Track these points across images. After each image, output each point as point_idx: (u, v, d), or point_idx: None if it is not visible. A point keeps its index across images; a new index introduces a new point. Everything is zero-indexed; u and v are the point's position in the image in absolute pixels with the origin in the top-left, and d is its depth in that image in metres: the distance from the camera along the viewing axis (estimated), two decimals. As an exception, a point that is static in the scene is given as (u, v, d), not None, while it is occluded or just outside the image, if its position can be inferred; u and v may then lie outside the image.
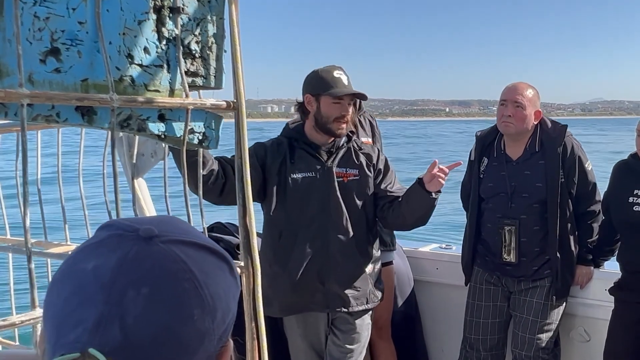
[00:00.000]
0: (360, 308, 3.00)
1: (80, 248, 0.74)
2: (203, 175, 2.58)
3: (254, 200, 2.96)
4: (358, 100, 3.58)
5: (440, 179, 2.77)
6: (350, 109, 2.90)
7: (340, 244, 2.92)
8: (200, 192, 1.66)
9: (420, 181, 2.83)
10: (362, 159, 3.00)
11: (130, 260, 0.68)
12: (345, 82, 2.87)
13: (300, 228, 2.92)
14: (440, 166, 2.78)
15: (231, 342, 0.76)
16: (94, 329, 0.65)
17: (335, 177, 2.93)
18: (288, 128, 3.05)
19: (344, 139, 2.99)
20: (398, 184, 3.09)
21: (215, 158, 2.71)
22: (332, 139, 2.96)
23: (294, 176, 2.91)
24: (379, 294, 3.08)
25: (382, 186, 3.00)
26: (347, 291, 2.96)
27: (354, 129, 3.13)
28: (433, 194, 2.82)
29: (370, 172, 3.00)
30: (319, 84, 2.91)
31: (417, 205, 2.89)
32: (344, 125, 2.90)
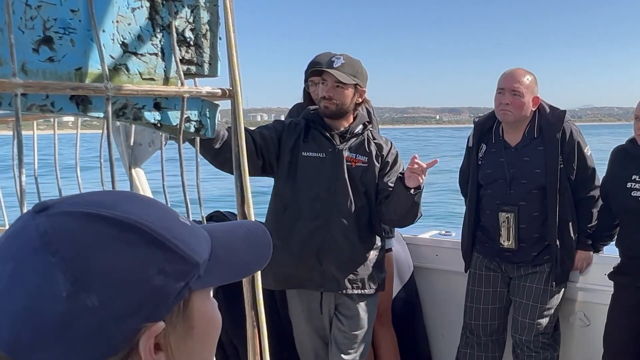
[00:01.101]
0: (355, 292, 3.01)
1: None
2: (217, 149, 2.63)
3: (266, 175, 2.99)
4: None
5: (418, 176, 2.77)
6: (335, 92, 2.91)
7: (342, 226, 2.95)
8: (198, 177, 1.66)
9: (402, 177, 2.84)
10: (373, 148, 3.03)
11: (10, 235, 0.67)
12: (337, 64, 2.90)
13: (305, 205, 2.96)
14: (418, 162, 2.77)
15: (159, 325, 0.68)
16: None
17: (344, 160, 2.97)
18: (308, 111, 3.11)
19: (359, 126, 3.03)
20: None
21: (228, 129, 2.70)
22: (347, 124, 3.01)
23: (305, 154, 2.97)
24: (378, 281, 3.08)
25: (385, 179, 3.01)
26: (343, 274, 2.98)
27: (369, 119, 3.16)
28: (412, 190, 2.81)
29: (378, 162, 3.02)
30: (318, 69, 3.03)
31: (399, 202, 2.90)
32: (328, 105, 2.93)
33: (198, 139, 1.69)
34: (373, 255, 3.06)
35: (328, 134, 2.99)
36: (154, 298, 0.67)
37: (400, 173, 2.90)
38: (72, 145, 2.16)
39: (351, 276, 3.00)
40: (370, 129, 3.10)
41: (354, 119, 3.04)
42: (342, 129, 3.00)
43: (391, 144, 3.12)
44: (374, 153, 3.02)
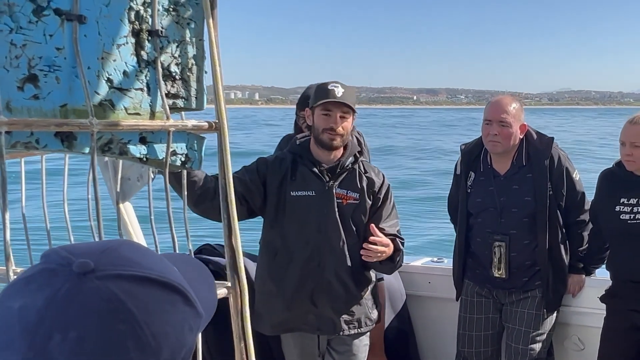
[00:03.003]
0: (352, 332, 2.96)
1: (12, 282, 0.68)
2: (199, 194, 2.58)
3: (253, 217, 2.91)
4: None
5: (376, 254, 2.77)
6: (342, 122, 2.81)
7: (335, 267, 2.87)
8: (185, 210, 1.66)
9: None
10: (365, 183, 2.93)
11: (58, 300, 0.62)
12: (339, 94, 2.79)
13: (296, 248, 2.87)
14: (372, 240, 2.75)
15: None
16: None
17: (335, 198, 2.86)
18: (294, 143, 2.98)
19: (350, 159, 2.91)
20: (393, 218, 3.00)
21: (213, 175, 2.62)
22: (337, 157, 2.89)
23: (293, 194, 2.85)
24: (374, 317, 3.04)
25: (374, 216, 2.93)
26: (339, 315, 2.92)
27: (360, 148, 3.05)
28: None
29: (370, 199, 2.92)
30: (314, 96, 2.88)
31: (379, 268, 2.97)
32: (337, 137, 2.81)
33: (185, 172, 1.70)
34: (368, 292, 3.00)
35: (317, 170, 2.86)
36: (189, 353, 0.70)
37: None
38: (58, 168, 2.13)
39: (347, 317, 2.94)
40: (362, 160, 2.99)
41: (344, 149, 2.92)
42: (332, 162, 2.88)
43: (383, 176, 3.02)
44: (365, 188, 2.91)
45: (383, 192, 2.96)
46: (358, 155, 2.96)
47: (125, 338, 0.62)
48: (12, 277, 1.16)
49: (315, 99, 2.85)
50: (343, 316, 2.93)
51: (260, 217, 2.99)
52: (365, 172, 2.96)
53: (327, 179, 2.87)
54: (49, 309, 0.62)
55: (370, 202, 2.92)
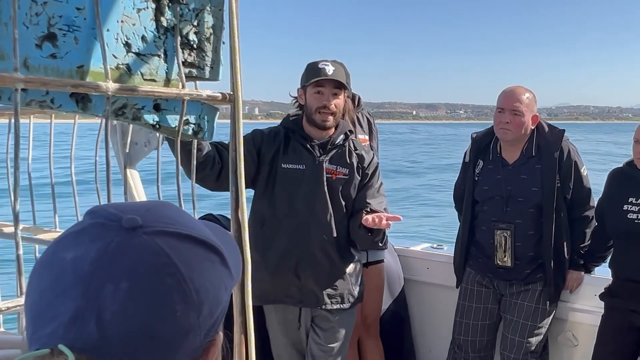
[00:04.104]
0: (335, 307, 2.97)
1: (62, 235, 0.71)
2: (200, 162, 2.57)
3: (246, 187, 2.94)
4: (357, 97, 3.56)
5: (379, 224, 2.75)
6: (334, 99, 2.83)
7: (320, 241, 2.90)
8: (193, 179, 1.66)
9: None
10: (354, 159, 2.95)
11: (110, 252, 0.65)
12: (329, 72, 2.79)
13: (284, 219, 2.90)
14: (379, 217, 2.74)
15: (221, 334, 0.74)
16: (69, 323, 0.63)
17: (324, 172, 2.89)
18: (288, 119, 3.02)
19: (341, 136, 2.94)
20: (380, 195, 3.01)
21: (211, 143, 2.65)
22: (329, 134, 2.92)
23: (284, 166, 2.89)
24: (356, 294, 3.05)
25: (362, 191, 2.96)
26: (322, 289, 2.94)
27: (352, 128, 3.06)
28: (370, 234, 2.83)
29: (359, 174, 2.96)
30: (305, 76, 2.88)
31: (358, 237, 2.93)
32: (329, 117, 2.84)
33: (195, 142, 1.69)
34: (351, 268, 3.02)
35: (308, 145, 2.90)
36: (223, 312, 0.73)
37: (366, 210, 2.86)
38: (68, 135, 2.14)
39: (330, 291, 2.95)
40: (352, 138, 3.02)
41: (336, 128, 2.95)
42: (324, 138, 2.92)
43: (373, 154, 3.06)
44: (355, 164, 2.95)
45: (372, 169, 3.00)
46: (349, 134, 2.99)
47: (172, 291, 0.66)
48: (20, 236, 1.16)
49: (307, 78, 2.87)
50: (326, 290, 2.94)
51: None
52: (356, 149, 3.00)
53: (318, 154, 2.91)
54: (102, 260, 0.65)
55: (359, 178, 2.96)
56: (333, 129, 2.94)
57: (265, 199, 2.92)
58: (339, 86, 2.82)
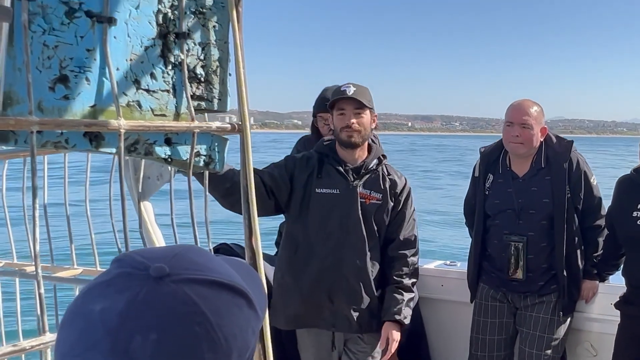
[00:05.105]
0: (367, 332, 2.98)
1: (89, 286, 0.71)
2: (228, 187, 2.59)
3: (279, 212, 2.94)
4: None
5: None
6: (357, 118, 2.86)
7: (354, 265, 2.90)
8: (207, 211, 1.68)
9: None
10: (387, 184, 2.97)
11: (138, 303, 0.65)
12: (350, 92, 2.85)
13: (317, 243, 2.91)
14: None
15: None
16: None
17: (358, 197, 2.91)
18: (322, 143, 3.05)
19: (374, 161, 2.97)
20: (411, 221, 3.04)
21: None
22: (362, 159, 2.95)
23: (319, 191, 2.91)
24: None
25: (394, 220, 2.99)
26: (355, 313, 2.93)
27: (384, 153, 3.07)
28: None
29: (392, 200, 2.98)
30: (331, 100, 2.96)
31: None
32: (353, 133, 2.86)
33: (207, 173, 1.72)
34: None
35: (342, 169, 2.92)
36: (251, 356, 0.72)
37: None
38: (82, 169, 2.16)
39: (363, 316, 2.95)
40: (386, 163, 3.04)
41: (369, 151, 2.98)
42: (357, 162, 2.94)
43: (405, 179, 3.07)
44: (388, 190, 2.96)
45: (405, 194, 3.02)
46: (382, 158, 3.01)
47: (200, 340, 0.65)
48: (40, 274, 1.18)
49: (331, 100, 2.94)
50: (359, 314, 2.94)
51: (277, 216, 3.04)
52: (389, 174, 3.01)
53: (352, 179, 2.92)
54: (130, 311, 0.65)
55: (392, 204, 2.98)
56: (366, 153, 2.97)
57: (299, 223, 2.94)
58: (361, 105, 2.87)
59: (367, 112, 2.90)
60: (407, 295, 2.97)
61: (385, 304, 2.95)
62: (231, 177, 2.60)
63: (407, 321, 2.96)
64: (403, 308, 2.94)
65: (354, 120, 2.85)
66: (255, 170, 2.73)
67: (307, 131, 3.82)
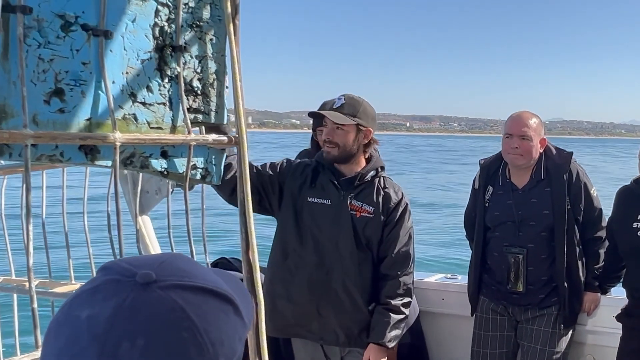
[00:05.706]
0: (355, 347, 2.92)
1: (77, 293, 0.71)
2: (227, 179, 2.49)
3: (263, 212, 2.92)
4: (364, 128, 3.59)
5: None
6: (337, 132, 2.79)
7: (343, 278, 2.85)
8: (204, 225, 1.67)
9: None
10: (381, 198, 2.90)
11: (125, 309, 0.65)
12: (336, 105, 2.81)
13: (307, 253, 2.87)
14: None
15: None
16: None
17: (349, 209, 2.86)
18: (322, 153, 2.99)
19: (371, 172, 2.91)
20: (406, 238, 2.94)
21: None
22: (358, 168, 2.90)
23: (310, 200, 2.88)
24: None
25: (388, 235, 2.90)
26: (343, 328, 2.89)
27: (383, 164, 3.01)
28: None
29: (384, 214, 2.89)
30: (310, 112, 2.97)
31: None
32: (331, 149, 2.81)
33: (203, 186, 1.71)
34: (374, 305, 2.95)
35: (336, 180, 2.88)
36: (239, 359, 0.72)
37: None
38: (79, 185, 2.16)
39: (351, 331, 2.90)
40: (383, 175, 2.97)
41: (367, 162, 2.92)
42: (353, 174, 2.89)
43: (402, 194, 2.96)
44: (381, 204, 2.88)
45: (399, 210, 2.92)
46: (379, 170, 2.95)
47: (188, 345, 0.65)
48: (35, 289, 1.17)
49: (310, 112, 2.97)
50: (346, 330, 2.90)
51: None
52: (385, 187, 2.94)
53: (344, 190, 2.88)
54: (117, 318, 0.65)
55: (383, 218, 2.89)
56: (364, 164, 2.91)
57: (290, 231, 2.90)
58: (341, 120, 2.78)
59: (352, 127, 2.80)
60: (394, 317, 2.89)
61: (371, 324, 2.89)
62: (232, 169, 2.55)
63: (391, 344, 2.88)
64: (388, 331, 2.86)
65: (329, 137, 2.81)
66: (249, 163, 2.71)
67: (306, 131, 3.82)
